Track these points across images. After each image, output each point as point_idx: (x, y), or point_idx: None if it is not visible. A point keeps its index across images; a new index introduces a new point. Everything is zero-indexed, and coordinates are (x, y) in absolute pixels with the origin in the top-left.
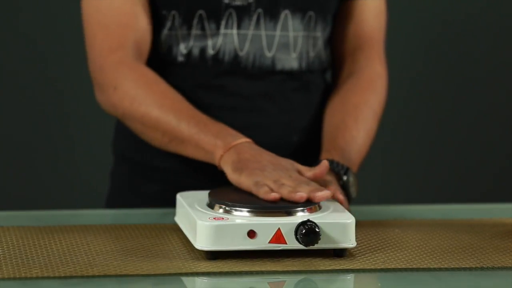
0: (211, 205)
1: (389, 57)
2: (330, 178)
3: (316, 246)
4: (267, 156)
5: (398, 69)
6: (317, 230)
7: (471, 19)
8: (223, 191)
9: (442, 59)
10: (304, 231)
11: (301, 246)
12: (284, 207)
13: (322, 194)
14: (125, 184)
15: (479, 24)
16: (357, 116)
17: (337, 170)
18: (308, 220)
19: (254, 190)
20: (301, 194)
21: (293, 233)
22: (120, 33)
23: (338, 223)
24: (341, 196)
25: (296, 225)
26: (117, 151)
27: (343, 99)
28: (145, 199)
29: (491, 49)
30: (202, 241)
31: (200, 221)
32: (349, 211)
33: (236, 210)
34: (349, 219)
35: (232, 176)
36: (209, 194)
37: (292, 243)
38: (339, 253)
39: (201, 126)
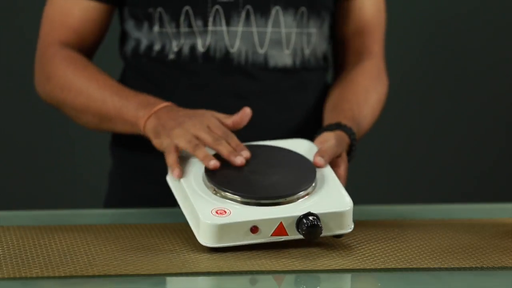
0: (207, 186)
1: (389, 57)
2: (340, 150)
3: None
4: (183, 111)
5: (398, 69)
6: (319, 225)
7: (468, 18)
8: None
9: (442, 59)
10: (305, 227)
11: (301, 236)
12: (284, 195)
13: (240, 160)
14: (122, 187)
15: (476, 24)
16: (367, 98)
17: (353, 143)
18: (309, 213)
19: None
20: (214, 163)
21: (295, 225)
22: (62, 33)
23: (337, 213)
24: (343, 173)
25: (297, 218)
26: (115, 154)
27: (352, 80)
28: (143, 201)
29: (490, 48)
30: (205, 238)
31: (204, 218)
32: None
33: (237, 201)
34: (347, 206)
35: (155, 142)
36: (206, 174)
37: (293, 234)
38: (337, 235)
39: (124, 101)
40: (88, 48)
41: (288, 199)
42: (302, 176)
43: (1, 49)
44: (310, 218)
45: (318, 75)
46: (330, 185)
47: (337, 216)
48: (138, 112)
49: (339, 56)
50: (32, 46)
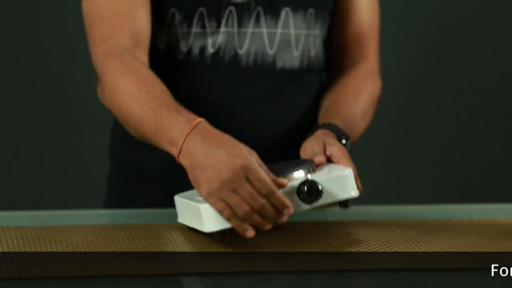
0: None
1: (389, 57)
2: (332, 140)
3: (320, 202)
4: (218, 153)
5: (398, 69)
6: (318, 186)
7: (468, 19)
8: None
9: (442, 59)
10: (306, 190)
11: (306, 207)
12: (284, 173)
13: (284, 218)
14: (121, 190)
15: (476, 24)
16: (357, 97)
17: (339, 134)
18: (308, 180)
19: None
20: (250, 233)
21: (296, 195)
22: (114, 22)
23: (336, 176)
24: (346, 162)
25: (297, 186)
26: (113, 157)
27: (342, 84)
28: (142, 204)
29: (490, 48)
30: (209, 223)
31: (203, 205)
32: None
33: None
34: (346, 171)
35: (194, 184)
36: None
37: (296, 207)
38: (344, 204)
39: (159, 126)
40: (142, 40)
41: (287, 176)
42: (300, 162)
43: (2, 49)
44: (309, 181)
45: (318, 76)
46: (329, 165)
47: (338, 180)
48: (170, 148)
49: (335, 60)
50: (35, 48)
